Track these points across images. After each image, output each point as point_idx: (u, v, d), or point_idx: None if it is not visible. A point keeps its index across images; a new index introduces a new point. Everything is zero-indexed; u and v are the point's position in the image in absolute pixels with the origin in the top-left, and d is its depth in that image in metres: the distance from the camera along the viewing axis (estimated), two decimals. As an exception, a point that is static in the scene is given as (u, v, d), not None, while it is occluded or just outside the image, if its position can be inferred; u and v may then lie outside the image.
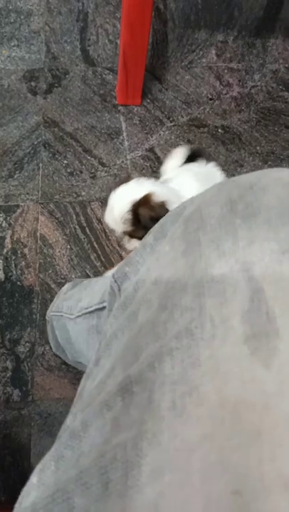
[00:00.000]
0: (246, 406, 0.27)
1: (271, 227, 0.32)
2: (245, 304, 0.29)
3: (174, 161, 1.02)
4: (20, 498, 0.34)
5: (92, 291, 0.68)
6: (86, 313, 0.67)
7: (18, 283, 1.09)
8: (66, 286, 0.94)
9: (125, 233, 0.90)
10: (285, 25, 1.41)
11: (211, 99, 1.33)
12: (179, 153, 1.01)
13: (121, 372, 0.32)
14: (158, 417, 0.28)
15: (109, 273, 0.61)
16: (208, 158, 1.00)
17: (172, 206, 0.84)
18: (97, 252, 1.12)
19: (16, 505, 0.34)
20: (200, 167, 0.97)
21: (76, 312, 0.72)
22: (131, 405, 0.29)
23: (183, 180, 0.92)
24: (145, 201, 0.85)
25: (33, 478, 0.33)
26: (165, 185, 0.90)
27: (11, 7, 1.42)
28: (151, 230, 0.46)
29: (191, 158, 1.01)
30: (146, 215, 0.85)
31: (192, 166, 0.98)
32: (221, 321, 0.29)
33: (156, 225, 0.44)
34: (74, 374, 1.01)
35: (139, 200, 0.84)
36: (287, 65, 1.37)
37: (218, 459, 0.26)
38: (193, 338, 0.29)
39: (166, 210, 0.87)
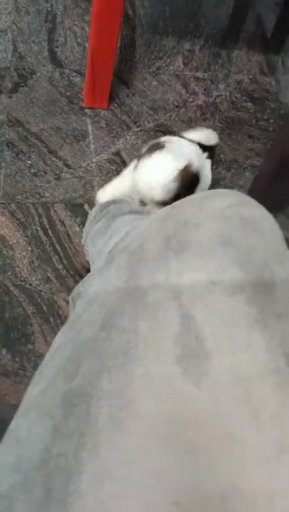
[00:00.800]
0: (180, 423, 0.28)
1: (201, 259, 0.36)
2: (176, 328, 0.32)
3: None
4: None
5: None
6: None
7: (-24, 284, 1.06)
8: (94, 210, 0.94)
9: (159, 203, 0.91)
10: (249, 37, 1.45)
11: (177, 107, 1.34)
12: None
13: (62, 382, 0.34)
14: (96, 429, 0.29)
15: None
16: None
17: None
18: (59, 255, 1.11)
19: None
20: None
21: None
22: (70, 416, 0.31)
23: None
24: (186, 171, 0.89)
25: None
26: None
27: (-23, 4, 1.39)
28: (110, 252, 0.49)
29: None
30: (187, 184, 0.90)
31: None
32: (154, 342, 0.32)
33: (112, 250, 0.49)
34: (31, 379, 0.99)
35: (181, 170, 0.89)
36: (250, 76, 1.40)
37: (156, 471, 0.27)
38: (129, 356, 0.32)
39: (198, 180, 0.97)
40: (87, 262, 0.94)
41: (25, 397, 0.39)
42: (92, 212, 0.93)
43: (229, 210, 0.39)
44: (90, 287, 0.46)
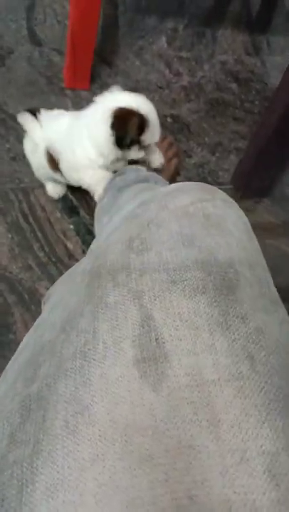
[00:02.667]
0: (137, 429, 0.27)
1: (161, 259, 0.35)
2: (135, 329, 0.31)
3: None
4: None
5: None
6: None
7: None
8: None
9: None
10: (234, 17, 1.41)
11: (160, 88, 1.31)
12: None
13: (21, 387, 0.33)
14: (52, 435, 0.28)
15: None
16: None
17: None
18: (41, 242, 1.08)
19: None
20: None
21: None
22: (27, 422, 0.30)
23: None
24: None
25: None
26: None
27: None
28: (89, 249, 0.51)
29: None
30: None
31: None
32: (113, 344, 0.31)
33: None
34: None
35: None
36: (235, 57, 1.37)
37: (111, 480, 0.26)
38: (86, 358, 0.31)
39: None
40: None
41: None
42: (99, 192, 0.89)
43: (192, 206, 0.39)
44: (57, 289, 0.46)
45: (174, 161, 1.03)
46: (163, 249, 0.36)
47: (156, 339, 0.30)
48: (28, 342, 0.38)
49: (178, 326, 0.31)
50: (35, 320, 1.00)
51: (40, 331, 0.38)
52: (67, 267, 1.03)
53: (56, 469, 0.26)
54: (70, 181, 0.95)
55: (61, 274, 1.04)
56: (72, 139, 0.88)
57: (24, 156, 1.13)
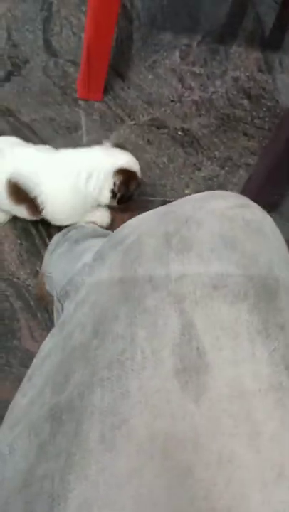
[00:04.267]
0: (176, 443, 0.26)
1: (203, 261, 0.33)
2: (176, 337, 0.30)
3: None
4: None
5: (70, 264, 0.65)
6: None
7: None
8: (55, 238, 0.93)
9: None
10: (248, 34, 1.43)
11: (172, 101, 1.32)
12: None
13: (51, 394, 0.32)
14: (86, 449, 0.27)
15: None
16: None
17: None
18: (49, 249, 1.09)
19: None
20: None
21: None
22: (58, 434, 0.28)
23: None
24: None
25: None
26: None
27: None
28: (94, 252, 0.46)
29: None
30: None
31: None
32: (152, 353, 0.29)
33: (98, 249, 0.45)
34: (16, 376, 0.97)
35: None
36: (248, 74, 1.38)
37: (149, 497, 0.25)
38: (124, 368, 0.29)
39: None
40: (48, 294, 0.88)
41: (13, 405, 0.36)
42: (52, 242, 0.93)
43: (231, 211, 0.37)
44: (78, 285, 0.43)
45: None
46: (204, 250, 0.34)
47: (198, 348, 0.29)
48: (56, 343, 0.37)
49: (219, 335, 0.29)
50: (41, 327, 1.00)
51: (67, 330, 0.37)
52: (75, 275, 1.03)
53: (91, 485, 0.25)
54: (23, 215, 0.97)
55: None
56: (70, 181, 0.91)
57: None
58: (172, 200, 1.15)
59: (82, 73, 1.22)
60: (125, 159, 0.95)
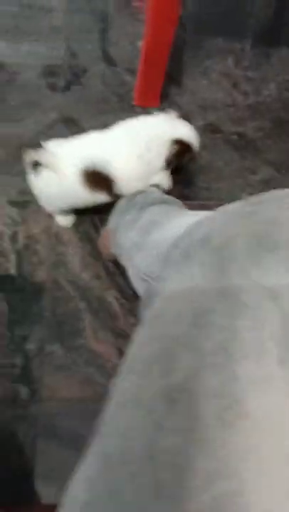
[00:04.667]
0: None
1: None
2: (277, 330, 0.32)
3: None
4: (67, 495, 0.35)
5: (151, 251, 0.66)
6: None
7: (30, 279, 1.09)
8: (122, 201, 0.94)
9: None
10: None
11: (226, 106, 1.34)
12: None
13: (159, 378, 0.35)
14: (204, 426, 0.30)
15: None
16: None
17: None
18: (110, 252, 1.13)
19: (64, 500, 0.35)
20: None
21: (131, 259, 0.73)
22: (173, 412, 0.31)
23: None
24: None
25: (80, 475, 0.34)
26: None
27: (33, 3, 1.42)
28: (177, 245, 0.48)
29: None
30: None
31: None
32: (255, 342, 0.32)
33: (182, 244, 0.48)
34: (82, 374, 1.02)
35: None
36: (304, 77, 1.38)
37: (269, 471, 0.27)
38: (229, 355, 0.32)
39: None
40: (111, 255, 0.94)
41: (114, 390, 0.39)
42: (118, 205, 0.94)
43: None
44: (166, 282, 0.46)
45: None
46: None
47: None
48: (151, 334, 0.40)
49: None
50: (103, 327, 1.04)
51: (162, 322, 0.39)
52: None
53: (212, 459, 0.28)
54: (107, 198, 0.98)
55: (129, 284, 1.08)
56: (135, 150, 0.94)
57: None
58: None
59: (139, 81, 1.26)
60: (184, 131, 0.97)
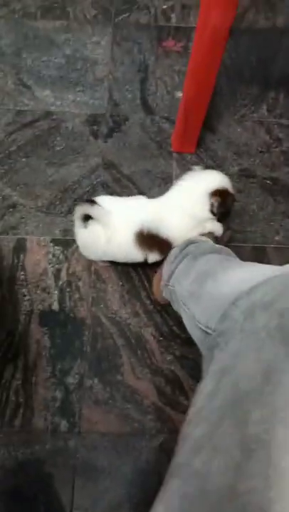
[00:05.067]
0: None
1: None
2: None
3: None
4: None
5: (207, 303, 0.69)
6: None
7: (71, 315, 1.15)
8: (174, 251, 0.99)
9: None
10: None
11: (260, 152, 1.40)
12: None
13: (234, 428, 0.38)
14: (281, 473, 0.33)
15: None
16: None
17: None
18: (147, 291, 1.18)
19: None
20: None
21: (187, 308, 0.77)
22: (251, 459, 0.35)
23: None
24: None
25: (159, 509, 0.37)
26: None
27: (78, 55, 1.53)
28: (237, 304, 0.53)
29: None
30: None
31: None
32: None
33: (242, 304, 0.52)
34: (120, 410, 1.05)
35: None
36: None
37: None
38: None
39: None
40: (163, 299, 1.02)
41: (185, 435, 0.43)
42: (171, 253, 0.99)
43: None
44: (229, 337, 0.50)
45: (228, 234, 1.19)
46: None
47: None
48: (220, 387, 0.43)
49: None
50: (140, 364, 1.08)
51: (231, 377, 0.43)
52: (171, 315, 1.11)
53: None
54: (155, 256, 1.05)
55: (166, 322, 1.12)
56: (186, 209, 1.03)
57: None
58: (262, 247, 1.23)
59: (177, 129, 1.33)
60: (215, 180, 1.03)
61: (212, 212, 1.02)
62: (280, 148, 1.40)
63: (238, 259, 0.89)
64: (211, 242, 1.02)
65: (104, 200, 1.01)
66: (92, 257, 1.13)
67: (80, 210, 0.98)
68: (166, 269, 0.97)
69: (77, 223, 1.02)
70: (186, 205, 1.02)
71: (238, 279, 0.60)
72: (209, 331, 0.60)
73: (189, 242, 0.98)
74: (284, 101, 1.48)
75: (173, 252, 0.99)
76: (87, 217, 0.99)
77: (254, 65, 1.55)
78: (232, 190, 1.05)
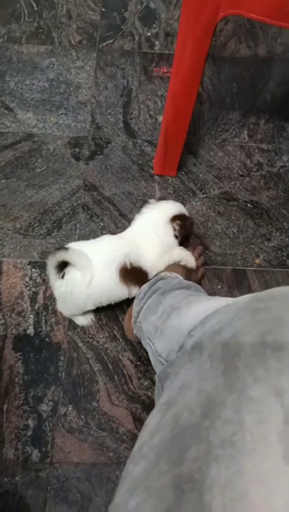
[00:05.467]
0: None
1: None
2: (280, 426, 0.33)
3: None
4: None
5: (170, 337, 0.68)
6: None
7: (47, 339, 1.11)
8: (143, 287, 0.98)
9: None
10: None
11: (241, 176, 1.40)
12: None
13: (169, 466, 0.36)
14: None
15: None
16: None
17: None
18: (125, 314, 1.15)
19: None
20: None
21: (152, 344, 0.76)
22: (183, 501, 0.33)
23: None
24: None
25: None
26: None
27: (62, 79, 1.54)
28: (191, 334, 0.52)
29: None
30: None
31: None
32: (260, 437, 0.33)
33: (195, 334, 0.51)
34: (95, 438, 1.01)
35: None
36: (316, 151, 1.45)
37: None
38: (236, 448, 0.33)
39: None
40: (134, 337, 1.00)
41: (125, 473, 0.40)
42: (141, 290, 0.98)
43: None
44: (178, 368, 0.48)
45: (201, 270, 1.20)
46: None
47: None
48: (163, 422, 0.41)
49: None
50: (117, 390, 1.05)
51: (174, 411, 0.41)
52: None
53: None
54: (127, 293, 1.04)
55: (143, 346, 1.09)
56: (155, 237, 1.06)
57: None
58: (242, 270, 1.22)
59: (158, 153, 1.34)
60: (172, 208, 1.10)
61: (176, 236, 1.07)
62: (261, 172, 1.41)
63: (206, 295, 0.88)
64: (180, 278, 1.02)
65: (75, 246, 0.99)
66: (73, 310, 1.08)
67: (54, 258, 0.94)
68: (135, 305, 0.96)
69: (52, 275, 0.97)
70: (152, 233, 1.05)
71: (199, 311, 0.58)
72: (165, 364, 0.58)
73: (159, 278, 0.98)
74: (264, 126, 1.50)
75: (142, 289, 0.98)
76: (62, 266, 0.96)
77: (235, 91, 1.57)
78: (187, 214, 1.13)
